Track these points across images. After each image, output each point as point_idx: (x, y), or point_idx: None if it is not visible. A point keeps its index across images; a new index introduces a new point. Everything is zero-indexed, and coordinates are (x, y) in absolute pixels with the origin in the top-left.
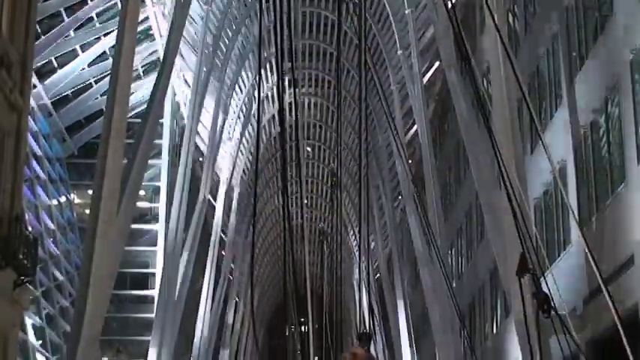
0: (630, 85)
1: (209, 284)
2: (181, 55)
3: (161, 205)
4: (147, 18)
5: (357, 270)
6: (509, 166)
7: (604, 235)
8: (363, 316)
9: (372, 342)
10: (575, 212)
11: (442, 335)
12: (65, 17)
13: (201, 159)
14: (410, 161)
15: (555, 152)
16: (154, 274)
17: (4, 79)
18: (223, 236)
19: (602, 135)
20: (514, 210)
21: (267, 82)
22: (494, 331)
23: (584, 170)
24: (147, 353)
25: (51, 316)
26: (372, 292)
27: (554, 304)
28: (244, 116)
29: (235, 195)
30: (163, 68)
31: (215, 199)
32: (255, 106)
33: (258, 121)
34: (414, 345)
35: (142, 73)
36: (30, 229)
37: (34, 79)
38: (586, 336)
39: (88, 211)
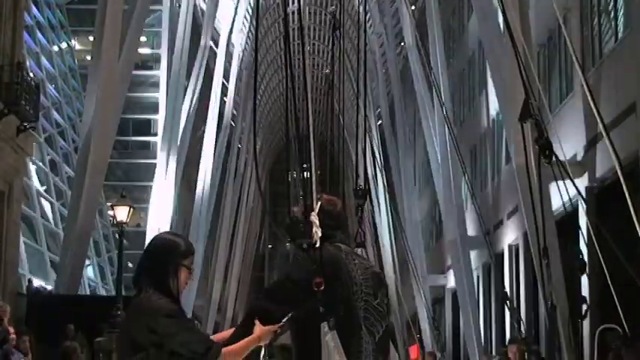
0: None
1: (211, 130)
2: None
3: (163, 51)
4: None
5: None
6: (513, 10)
7: (607, 83)
8: (359, 170)
9: (367, 198)
10: (579, 58)
11: (443, 182)
12: None
13: (202, 5)
14: (413, 7)
15: None
16: (156, 120)
17: None
18: (225, 82)
19: None
20: (517, 56)
21: None
22: (495, 177)
23: (589, 16)
24: (150, 198)
25: (55, 162)
26: (371, 138)
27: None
28: None
29: (237, 40)
30: None
31: (217, 45)
32: None
33: None
34: (415, 193)
35: None
36: (31, 75)
37: None
38: (585, 182)
39: (89, 58)
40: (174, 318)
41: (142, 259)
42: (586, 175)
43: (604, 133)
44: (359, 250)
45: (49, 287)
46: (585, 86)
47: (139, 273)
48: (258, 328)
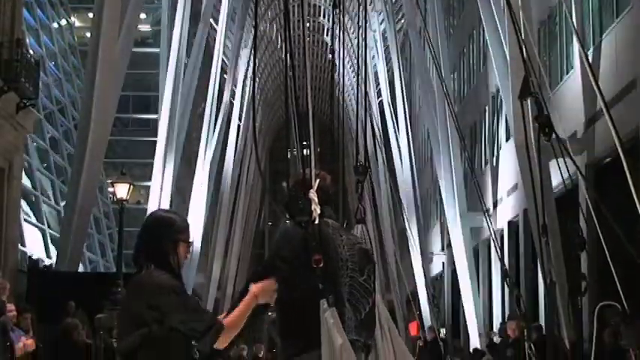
0: None
1: (211, 107)
2: None
3: (163, 29)
4: None
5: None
6: None
7: (606, 60)
8: (359, 146)
9: (367, 174)
10: (579, 36)
11: (443, 159)
12: None
13: None
14: None
15: None
16: (156, 97)
17: None
18: (225, 60)
19: None
20: (517, 33)
21: None
22: (495, 154)
23: None
24: (151, 175)
25: (55, 139)
26: (371, 115)
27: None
28: None
29: (237, 17)
30: None
31: (217, 22)
32: None
33: None
34: (415, 170)
35: None
36: (31, 52)
37: None
38: (585, 159)
39: (89, 35)
40: (176, 294)
41: (139, 237)
42: (585, 152)
43: (604, 110)
44: (359, 227)
45: (49, 262)
46: (585, 61)
47: (138, 251)
48: (254, 286)
